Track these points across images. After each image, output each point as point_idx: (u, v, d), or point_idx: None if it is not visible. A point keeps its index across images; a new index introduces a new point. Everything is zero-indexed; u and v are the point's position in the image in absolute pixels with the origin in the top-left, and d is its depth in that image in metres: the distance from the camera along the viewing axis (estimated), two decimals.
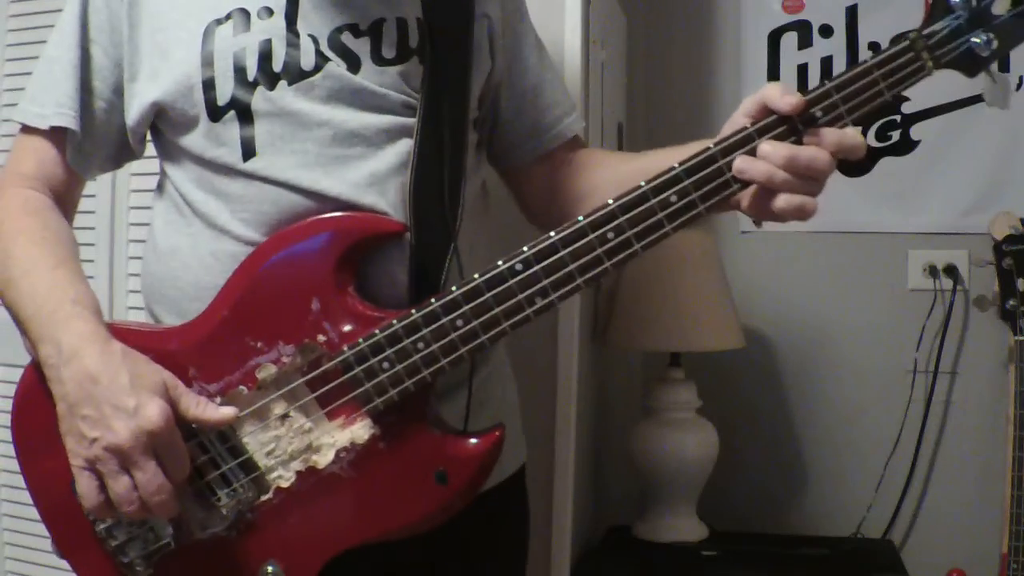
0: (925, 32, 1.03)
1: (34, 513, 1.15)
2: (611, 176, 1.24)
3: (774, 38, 2.50)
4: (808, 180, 1.03)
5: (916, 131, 2.41)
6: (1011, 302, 2.06)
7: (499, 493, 1.22)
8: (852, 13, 2.44)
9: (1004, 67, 2.17)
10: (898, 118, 2.41)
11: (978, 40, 1.02)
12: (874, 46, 2.41)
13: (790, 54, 2.49)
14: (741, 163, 1.03)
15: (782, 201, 1.03)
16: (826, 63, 2.46)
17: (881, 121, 2.41)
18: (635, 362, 2.57)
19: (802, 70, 2.48)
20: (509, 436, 1.12)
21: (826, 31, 2.46)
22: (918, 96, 2.37)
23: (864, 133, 2.42)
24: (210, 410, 1.05)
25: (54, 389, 1.04)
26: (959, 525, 2.37)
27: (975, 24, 1.02)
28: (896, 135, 2.43)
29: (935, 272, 2.39)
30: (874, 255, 2.44)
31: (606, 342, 2.28)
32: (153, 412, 1.00)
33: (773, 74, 2.49)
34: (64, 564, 1.16)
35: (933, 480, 2.41)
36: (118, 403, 1.00)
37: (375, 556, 1.10)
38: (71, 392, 1.02)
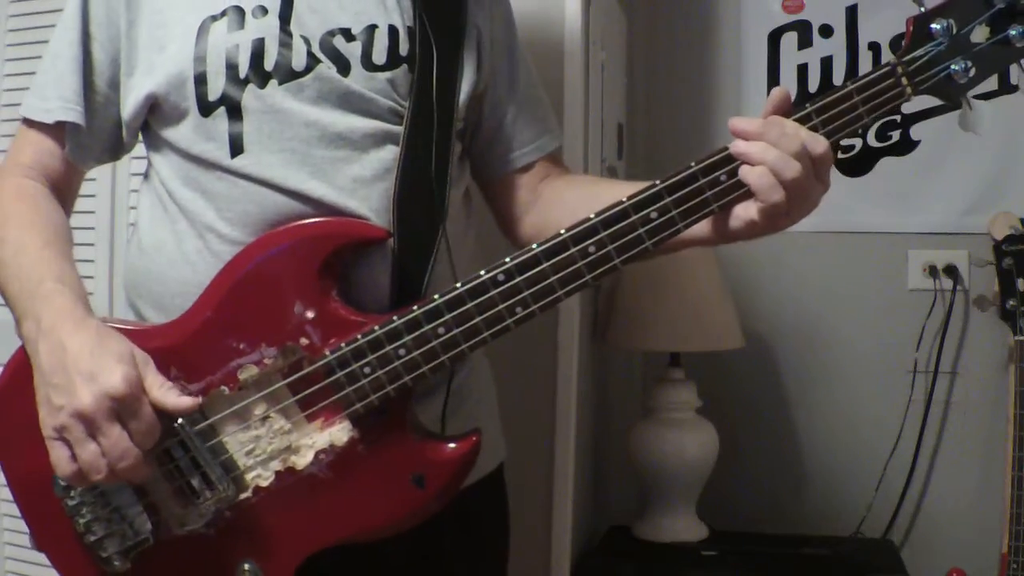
0: (906, 58, 1.05)
1: None
2: (587, 195, 1.24)
3: (774, 38, 2.50)
4: (799, 175, 1.01)
5: (916, 131, 2.41)
6: (1011, 302, 2.06)
7: (477, 490, 1.23)
8: (852, 13, 2.44)
9: (1004, 73, 2.19)
10: (898, 118, 2.41)
11: (957, 67, 1.05)
12: (874, 46, 2.42)
13: (790, 54, 2.49)
14: (739, 145, 1.03)
15: (767, 187, 1.01)
16: (826, 63, 2.46)
17: (881, 121, 2.41)
18: (635, 362, 2.57)
19: (802, 70, 2.48)
20: (487, 436, 1.14)
21: (826, 31, 2.46)
22: (919, 96, 2.37)
23: (864, 133, 2.42)
24: (171, 396, 1.04)
25: (33, 362, 1.05)
26: (959, 525, 2.37)
27: (955, 52, 1.05)
28: (896, 135, 2.43)
29: (935, 272, 2.39)
30: (874, 255, 2.44)
31: (606, 342, 2.28)
32: (115, 376, 1.00)
33: (773, 74, 2.50)
34: None
35: (933, 480, 2.41)
36: (81, 368, 1.00)
37: (355, 554, 1.12)
38: (44, 362, 1.03)
